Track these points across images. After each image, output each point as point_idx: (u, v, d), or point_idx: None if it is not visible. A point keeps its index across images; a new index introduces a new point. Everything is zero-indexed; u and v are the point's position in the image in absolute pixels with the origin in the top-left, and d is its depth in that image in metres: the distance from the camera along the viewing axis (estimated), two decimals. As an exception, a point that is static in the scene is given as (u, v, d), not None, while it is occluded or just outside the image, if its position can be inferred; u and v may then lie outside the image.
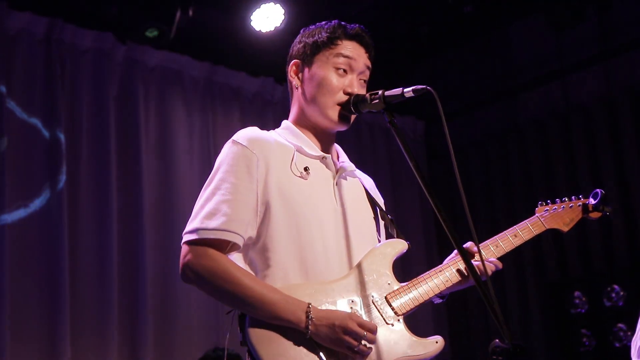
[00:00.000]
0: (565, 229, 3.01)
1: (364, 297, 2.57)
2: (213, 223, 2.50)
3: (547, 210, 3.01)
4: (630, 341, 6.08)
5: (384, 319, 2.56)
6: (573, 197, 3.08)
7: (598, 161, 6.89)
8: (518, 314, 7.26)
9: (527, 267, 7.24)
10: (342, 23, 2.78)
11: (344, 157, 2.85)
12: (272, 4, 6.11)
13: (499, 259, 2.80)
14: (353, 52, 2.73)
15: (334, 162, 2.75)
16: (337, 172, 2.74)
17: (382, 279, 2.63)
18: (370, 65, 2.78)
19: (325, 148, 2.77)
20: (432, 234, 7.86)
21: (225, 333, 2.63)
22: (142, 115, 6.06)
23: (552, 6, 6.48)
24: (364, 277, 2.60)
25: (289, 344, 2.44)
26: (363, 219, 2.76)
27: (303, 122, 2.77)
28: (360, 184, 2.84)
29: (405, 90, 2.51)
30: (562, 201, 3.04)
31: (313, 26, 2.82)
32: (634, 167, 6.67)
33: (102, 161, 5.76)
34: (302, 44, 2.79)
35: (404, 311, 2.60)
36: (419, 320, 7.06)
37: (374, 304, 2.57)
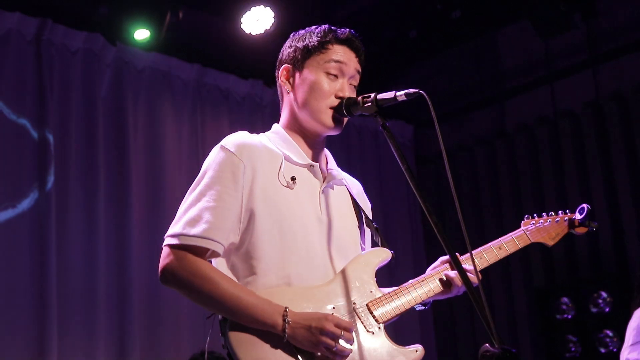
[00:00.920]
0: (551, 243, 3.04)
1: (346, 304, 2.58)
2: (195, 230, 2.51)
3: (533, 224, 3.02)
4: (616, 347, 6.14)
5: (364, 326, 2.57)
6: (560, 211, 3.09)
7: (586, 167, 6.92)
8: (505, 320, 7.27)
9: (514, 272, 7.26)
10: (333, 27, 2.79)
11: (332, 163, 2.85)
12: (262, 7, 6.11)
13: (483, 270, 2.82)
14: (344, 57, 2.73)
15: (321, 169, 2.75)
16: (324, 180, 2.74)
17: (365, 286, 2.64)
18: (360, 70, 2.79)
19: (315, 154, 2.77)
20: (420, 238, 7.86)
21: (206, 337, 2.64)
22: (131, 117, 6.05)
23: (539, 13, 6.52)
24: (347, 285, 2.61)
25: (268, 347, 2.45)
26: (348, 228, 2.76)
27: (294, 127, 2.77)
28: (346, 192, 2.85)
29: (398, 93, 2.52)
30: (548, 215, 3.06)
31: (303, 31, 2.82)
32: (622, 173, 6.70)
33: (90, 162, 5.74)
34: (292, 49, 2.78)
35: (385, 319, 2.62)
36: (405, 326, 7.12)
37: (355, 311, 2.58)
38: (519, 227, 3.02)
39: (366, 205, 2.93)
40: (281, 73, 2.80)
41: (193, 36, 6.39)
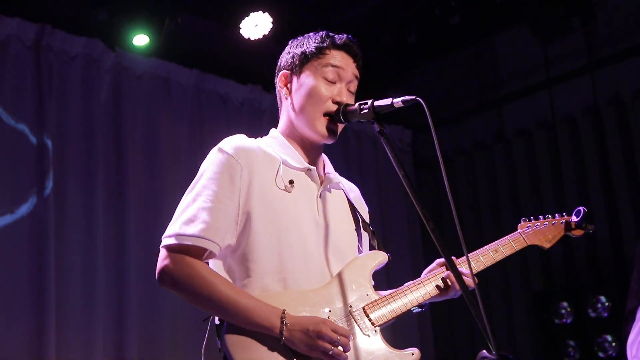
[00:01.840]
0: (547, 245, 3.03)
1: (342, 307, 2.59)
2: (191, 229, 2.52)
3: (529, 226, 3.02)
4: (615, 352, 6.14)
5: (360, 329, 2.58)
6: (557, 214, 3.09)
7: (584, 171, 6.93)
8: (503, 324, 7.28)
9: (512, 277, 7.27)
10: (330, 33, 2.80)
11: (329, 167, 2.86)
12: (260, 12, 6.12)
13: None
14: (342, 62, 2.75)
15: (319, 174, 2.77)
16: (321, 184, 2.75)
17: (361, 289, 2.65)
18: (358, 75, 2.80)
19: (312, 159, 2.78)
20: (419, 243, 7.87)
21: (203, 340, 2.65)
22: (130, 122, 6.06)
23: (538, 18, 6.53)
24: (343, 288, 2.62)
25: (264, 350, 2.46)
26: (345, 231, 2.77)
27: (291, 133, 2.78)
28: (344, 196, 2.86)
29: (395, 100, 2.53)
30: (545, 218, 3.06)
31: (301, 37, 2.84)
32: (620, 177, 6.71)
33: (89, 167, 5.75)
34: (290, 55, 2.80)
35: (381, 322, 2.62)
36: (404, 330, 7.12)
37: (351, 314, 2.59)
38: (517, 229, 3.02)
39: (363, 209, 2.94)
40: (279, 79, 2.82)
41: (192, 41, 6.40)
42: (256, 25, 6.16)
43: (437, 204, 7.42)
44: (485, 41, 7.55)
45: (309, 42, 2.78)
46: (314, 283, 2.59)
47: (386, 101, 2.55)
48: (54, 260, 5.36)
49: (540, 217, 3.06)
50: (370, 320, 2.60)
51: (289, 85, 2.79)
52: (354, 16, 6.69)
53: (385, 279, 5.87)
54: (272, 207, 2.60)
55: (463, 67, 7.77)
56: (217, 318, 2.55)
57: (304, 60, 2.75)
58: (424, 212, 2.39)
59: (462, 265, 2.73)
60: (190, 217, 2.54)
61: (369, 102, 2.59)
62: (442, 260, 2.80)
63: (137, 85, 6.19)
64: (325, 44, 2.75)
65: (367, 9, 6.72)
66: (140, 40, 5.92)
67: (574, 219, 3.06)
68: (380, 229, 7.43)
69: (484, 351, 2.13)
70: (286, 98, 2.79)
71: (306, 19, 6.27)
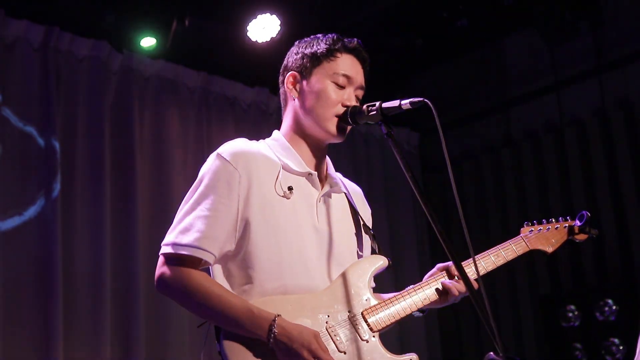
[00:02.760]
0: (550, 250, 3.00)
1: (341, 312, 2.59)
2: (186, 239, 2.53)
3: (531, 230, 2.99)
4: (622, 355, 6.11)
5: (359, 334, 2.57)
6: (560, 218, 3.06)
7: (592, 174, 6.91)
8: (511, 327, 7.26)
9: (519, 280, 7.25)
10: (340, 36, 2.80)
11: (331, 169, 2.85)
12: (268, 14, 6.12)
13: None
14: (352, 70, 2.74)
15: (320, 177, 2.76)
16: (322, 188, 2.74)
17: (360, 294, 2.64)
18: (364, 85, 2.79)
19: (316, 161, 2.77)
20: (426, 245, 7.87)
21: (202, 346, 2.66)
22: (137, 124, 6.06)
23: (546, 21, 6.52)
24: (342, 293, 2.61)
25: (261, 355, 2.46)
26: (345, 236, 2.76)
27: (296, 134, 2.77)
28: (345, 199, 2.85)
29: (403, 102, 2.52)
30: (548, 222, 3.03)
31: (309, 38, 2.83)
32: (628, 180, 6.69)
33: (96, 170, 5.75)
34: (299, 55, 2.79)
35: (380, 327, 2.61)
36: (411, 334, 7.11)
37: (350, 319, 2.59)
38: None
39: (366, 212, 2.93)
40: (287, 79, 2.80)
41: (199, 44, 6.40)
42: (264, 28, 6.17)
43: (444, 206, 7.41)
44: (493, 44, 7.55)
45: (319, 43, 2.77)
46: (313, 289, 2.59)
47: (394, 103, 2.55)
48: (61, 262, 5.37)
49: (544, 221, 3.03)
50: (368, 325, 2.60)
51: (297, 86, 2.77)
52: (362, 19, 6.69)
53: (393, 281, 5.88)
54: (271, 213, 2.60)
55: (471, 70, 7.76)
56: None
57: (315, 62, 2.75)
58: (431, 215, 2.38)
59: (466, 268, 2.72)
60: (186, 225, 2.55)
61: (377, 103, 2.59)
62: (442, 264, 2.79)
63: (144, 87, 6.20)
64: (336, 47, 2.75)
65: (375, 11, 6.72)
66: (148, 42, 5.94)
67: (578, 223, 3.03)
68: (387, 231, 7.42)
69: (491, 353, 2.12)
70: (294, 99, 2.78)
71: (314, 21, 6.26)
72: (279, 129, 2.85)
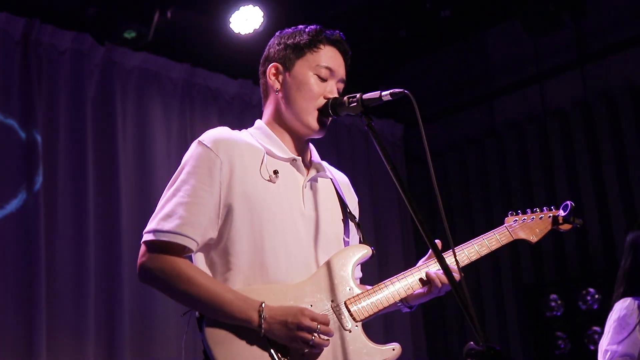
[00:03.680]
0: (534, 240, 3.00)
1: (324, 301, 2.58)
2: (168, 225, 2.52)
3: (516, 220, 3.00)
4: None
5: (342, 324, 2.57)
6: (544, 208, 3.07)
7: (575, 165, 6.95)
8: (494, 317, 7.30)
9: (503, 270, 7.28)
10: (322, 28, 2.79)
11: (316, 156, 2.85)
12: (250, 6, 6.10)
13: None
14: (334, 62, 2.74)
15: (305, 163, 2.75)
16: (307, 174, 2.74)
17: (343, 283, 2.63)
18: (345, 78, 2.79)
19: (298, 149, 2.77)
20: (410, 237, 7.88)
21: (183, 334, 2.65)
22: (120, 117, 6.03)
23: (528, 12, 6.53)
24: (325, 282, 2.61)
25: (244, 343, 2.46)
26: (331, 222, 2.76)
27: (278, 124, 2.77)
28: (331, 185, 2.85)
29: (383, 93, 2.52)
30: (532, 212, 3.03)
31: (290, 29, 2.82)
32: (610, 170, 6.73)
33: (79, 162, 5.72)
34: (281, 46, 2.78)
35: (363, 317, 2.61)
36: (395, 324, 7.13)
37: (332, 308, 2.59)
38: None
39: (352, 200, 2.93)
40: (269, 70, 2.79)
41: (182, 36, 6.38)
42: (246, 20, 6.15)
43: (428, 197, 7.42)
44: (476, 35, 7.56)
45: (301, 35, 2.77)
46: (296, 275, 2.59)
47: (375, 94, 2.55)
48: (44, 255, 5.34)
49: (528, 211, 3.03)
50: (351, 314, 2.59)
51: (279, 77, 2.77)
52: (345, 9, 6.68)
53: (377, 273, 5.88)
54: (255, 198, 2.59)
55: (454, 61, 7.77)
56: (197, 312, 2.55)
57: (298, 54, 2.74)
58: (412, 205, 2.39)
59: (450, 258, 2.72)
60: (167, 212, 2.55)
61: (358, 95, 2.59)
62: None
63: (126, 80, 6.16)
64: (319, 38, 2.75)
65: (358, 2, 6.72)
66: (130, 34, 5.90)
67: (562, 213, 3.04)
68: (371, 222, 7.43)
69: (472, 343, 2.13)
70: (276, 91, 2.77)
71: (297, 12, 6.25)
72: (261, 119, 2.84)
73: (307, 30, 2.78)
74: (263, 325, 2.42)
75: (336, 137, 7.50)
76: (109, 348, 5.59)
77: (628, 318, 3.81)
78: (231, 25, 6.17)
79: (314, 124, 2.70)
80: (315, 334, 2.43)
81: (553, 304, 6.58)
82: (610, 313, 3.92)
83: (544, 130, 7.19)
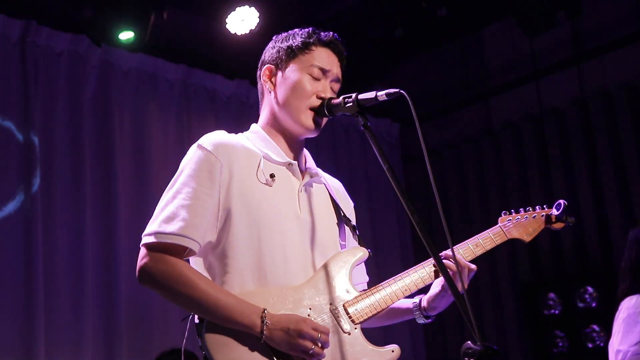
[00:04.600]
0: (528, 239, 3.01)
1: (322, 304, 2.58)
2: (170, 227, 2.50)
3: (510, 220, 3.01)
4: (603, 342, 6.16)
5: (341, 326, 2.57)
6: (537, 207, 3.08)
7: (572, 163, 6.96)
8: (492, 316, 7.31)
9: (500, 268, 7.29)
10: (317, 30, 2.80)
11: (311, 162, 2.85)
12: (247, 7, 6.11)
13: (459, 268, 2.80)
14: (327, 62, 2.74)
15: (300, 168, 2.76)
16: (302, 178, 2.75)
17: (341, 286, 2.63)
18: (340, 78, 2.79)
19: (294, 153, 2.77)
20: (408, 237, 7.89)
21: (183, 338, 2.65)
22: (117, 118, 6.04)
23: (524, 11, 6.54)
24: (323, 285, 2.61)
25: (244, 349, 2.45)
26: (327, 226, 2.76)
27: (273, 127, 2.77)
28: (325, 190, 2.85)
29: (379, 93, 2.52)
30: (525, 211, 3.04)
31: (285, 33, 2.84)
32: (607, 169, 6.74)
33: (76, 164, 5.73)
34: (275, 49, 2.79)
35: (361, 319, 2.62)
36: (394, 324, 7.12)
37: (331, 311, 2.58)
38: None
39: (347, 205, 2.93)
40: (263, 73, 2.81)
41: (178, 37, 6.39)
42: (242, 20, 6.15)
43: (425, 197, 7.43)
44: (472, 34, 7.57)
45: (295, 37, 2.77)
46: (294, 279, 2.58)
47: (370, 94, 2.55)
48: (42, 256, 5.35)
49: (521, 210, 3.04)
50: (350, 317, 2.60)
51: (273, 79, 2.78)
52: (341, 9, 6.69)
53: (375, 274, 5.88)
54: (252, 202, 2.59)
55: (450, 60, 7.78)
56: (197, 317, 2.53)
57: (290, 55, 2.75)
58: (408, 205, 2.39)
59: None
60: (169, 215, 2.53)
61: (354, 95, 2.58)
62: (441, 253, 2.78)
63: (123, 81, 6.17)
64: (311, 40, 2.75)
65: (353, 2, 6.73)
66: (126, 35, 5.90)
67: (554, 212, 3.05)
68: (369, 223, 7.43)
69: (469, 342, 2.14)
70: (270, 92, 2.78)
71: (293, 12, 6.26)
72: (256, 122, 2.85)
73: (300, 32, 2.79)
74: (264, 332, 2.42)
75: (333, 138, 7.50)
76: (107, 349, 5.60)
77: (637, 316, 3.81)
78: (227, 26, 6.18)
79: (308, 123, 2.70)
80: (316, 343, 2.43)
81: (551, 302, 6.59)
82: (618, 312, 3.91)
83: (541, 129, 7.20)
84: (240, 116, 6.73)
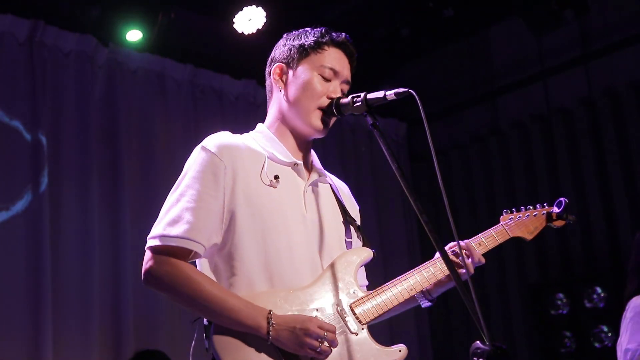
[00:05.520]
0: (529, 237, 3.02)
1: (329, 305, 2.58)
2: (175, 230, 2.50)
3: (511, 218, 3.01)
4: (611, 342, 6.15)
5: (348, 327, 2.57)
6: (538, 205, 3.09)
7: (579, 162, 6.94)
8: (500, 316, 7.29)
9: (508, 269, 7.28)
10: (329, 30, 2.79)
11: (317, 162, 2.85)
12: (254, 6, 6.11)
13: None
14: (338, 64, 2.74)
15: (306, 168, 2.75)
16: (308, 178, 2.74)
17: (347, 287, 2.63)
18: (350, 79, 2.79)
19: (301, 153, 2.77)
20: (415, 237, 7.88)
21: (189, 339, 2.65)
22: (124, 118, 6.05)
23: (532, 10, 6.53)
24: (329, 286, 2.60)
25: (252, 351, 2.45)
26: (332, 226, 2.75)
27: (281, 125, 2.76)
28: (330, 190, 2.84)
29: (387, 93, 2.52)
30: (526, 209, 3.05)
31: (297, 31, 2.82)
32: (615, 168, 6.72)
33: (84, 164, 5.74)
34: (287, 47, 2.78)
35: (368, 319, 2.61)
36: (400, 324, 7.12)
37: (338, 312, 2.58)
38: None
39: (353, 207, 2.93)
40: (274, 71, 2.79)
41: (185, 36, 6.39)
42: (250, 20, 6.15)
43: (432, 197, 7.41)
44: (479, 34, 7.56)
45: (307, 36, 2.76)
46: (300, 280, 2.58)
47: (379, 94, 2.54)
48: (49, 256, 5.36)
49: (522, 208, 3.05)
50: (356, 317, 2.59)
51: (284, 77, 2.76)
52: (348, 9, 6.69)
53: (382, 274, 5.87)
54: (257, 203, 2.58)
55: (457, 59, 7.77)
56: (205, 319, 2.53)
57: (302, 54, 2.74)
58: (417, 204, 2.39)
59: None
60: (174, 217, 2.53)
61: (362, 94, 2.58)
62: (447, 246, 2.78)
63: (131, 81, 6.18)
64: (324, 40, 2.74)
65: (360, 2, 6.73)
66: (134, 35, 5.92)
67: (555, 210, 3.05)
68: (376, 223, 7.43)
69: (478, 342, 2.13)
70: (280, 90, 2.77)
71: (300, 12, 6.26)
72: (263, 121, 2.84)
73: (312, 32, 2.77)
74: (271, 332, 2.42)
75: (340, 138, 7.50)
76: (114, 348, 5.61)
77: None
78: (234, 26, 6.18)
79: (317, 123, 2.70)
80: (323, 341, 2.43)
81: (559, 302, 6.58)
82: (625, 311, 3.89)
83: (548, 128, 7.18)
84: (247, 116, 6.73)
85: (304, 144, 2.78)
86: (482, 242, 2.88)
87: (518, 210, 3.04)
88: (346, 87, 2.77)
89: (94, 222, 5.66)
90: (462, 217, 7.53)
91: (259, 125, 2.81)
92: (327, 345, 2.44)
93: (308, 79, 2.70)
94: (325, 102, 2.69)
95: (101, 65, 6.00)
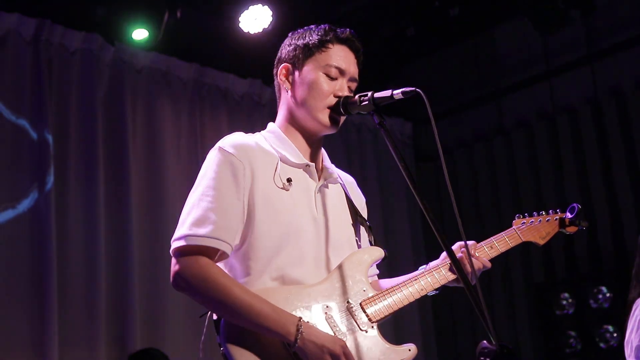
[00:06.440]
0: (541, 242, 3.04)
1: (339, 303, 2.59)
2: (202, 230, 2.49)
3: (524, 223, 3.03)
4: (616, 342, 6.13)
5: (357, 325, 2.58)
6: (550, 210, 3.10)
7: (584, 162, 6.93)
8: (505, 316, 7.29)
9: (513, 269, 7.27)
10: (332, 27, 2.79)
11: (328, 161, 2.85)
12: (260, 5, 6.11)
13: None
14: (344, 61, 2.73)
15: (317, 169, 2.76)
16: (319, 179, 2.75)
17: (358, 285, 2.64)
18: (357, 76, 2.78)
19: (311, 153, 2.77)
20: (420, 236, 7.87)
21: (198, 335, 2.64)
22: (130, 117, 6.06)
23: (538, 9, 6.52)
24: (340, 283, 2.61)
25: (263, 347, 2.45)
26: (343, 226, 2.77)
27: (291, 126, 2.76)
28: (341, 190, 2.85)
29: (395, 92, 2.52)
30: (539, 214, 3.06)
31: (301, 30, 2.82)
32: (620, 168, 6.71)
33: (90, 162, 5.75)
34: (292, 47, 2.78)
35: (378, 318, 2.62)
36: (405, 322, 7.13)
37: (348, 310, 2.59)
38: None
39: (360, 201, 2.94)
40: (280, 71, 2.79)
41: (191, 35, 6.39)
42: (256, 19, 6.16)
43: (438, 196, 7.43)
44: (485, 33, 7.55)
45: (311, 34, 2.76)
46: (311, 279, 2.59)
47: (386, 93, 2.55)
48: (55, 255, 5.37)
49: (535, 213, 3.06)
50: (367, 315, 2.60)
51: (290, 77, 2.77)
52: (354, 8, 6.69)
53: (387, 272, 5.88)
54: (272, 206, 2.59)
55: (463, 59, 7.76)
56: (214, 314, 2.53)
57: (307, 54, 2.74)
58: (423, 204, 2.39)
59: (460, 261, 2.73)
60: (198, 217, 2.51)
61: (369, 93, 2.58)
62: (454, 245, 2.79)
63: (136, 80, 6.19)
64: (328, 38, 2.74)
65: (366, 1, 6.72)
66: (140, 34, 5.92)
67: (568, 215, 3.06)
68: (381, 222, 7.43)
69: (485, 342, 2.13)
70: (287, 91, 2.77)
71: (305, 11, 6.26)
72: (273, 121, 2.84)
73: (316, 30, 2.77)
74: (298, 340, 2.41)
75: (346, 137, 7.50)
76: (120, 348, 5.61)
77: None
78: (240, 25, 6.18)
79: (326, 120, 2.70)
80: None
81: (564, 302, 6.57)
82: (633, 311, 3.88)
83: (554, 127, 7.17)
84: (252, 115, 6.74)
85: (315, 143, 2.78)
86: (494, 245, 2.90)
87: (530, 215, 3.05)
88: (353, 85, 2.77)
89: (100, 221, 5.66)
90: (466, 216, 7.53)
91: (270, 125, 2.81)
92: None
93: (314, 78, 2.70)
94: (332, 101, 2.69)
95: (107, 64, 6.00)
